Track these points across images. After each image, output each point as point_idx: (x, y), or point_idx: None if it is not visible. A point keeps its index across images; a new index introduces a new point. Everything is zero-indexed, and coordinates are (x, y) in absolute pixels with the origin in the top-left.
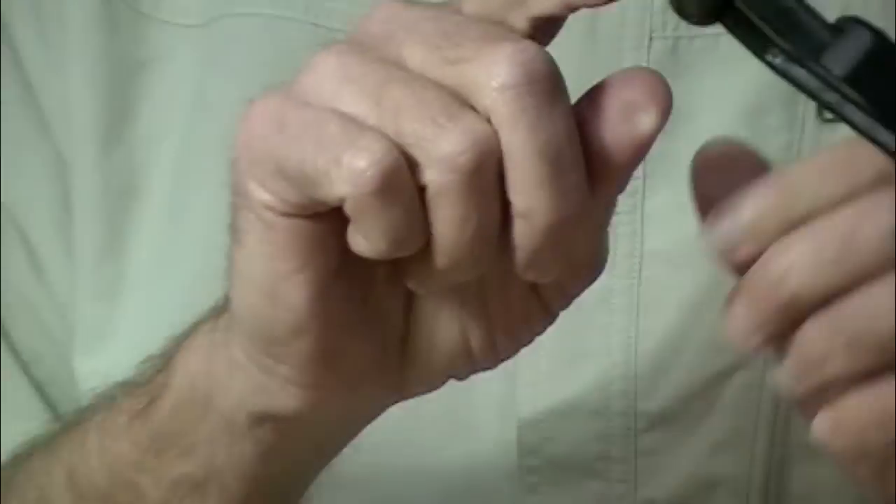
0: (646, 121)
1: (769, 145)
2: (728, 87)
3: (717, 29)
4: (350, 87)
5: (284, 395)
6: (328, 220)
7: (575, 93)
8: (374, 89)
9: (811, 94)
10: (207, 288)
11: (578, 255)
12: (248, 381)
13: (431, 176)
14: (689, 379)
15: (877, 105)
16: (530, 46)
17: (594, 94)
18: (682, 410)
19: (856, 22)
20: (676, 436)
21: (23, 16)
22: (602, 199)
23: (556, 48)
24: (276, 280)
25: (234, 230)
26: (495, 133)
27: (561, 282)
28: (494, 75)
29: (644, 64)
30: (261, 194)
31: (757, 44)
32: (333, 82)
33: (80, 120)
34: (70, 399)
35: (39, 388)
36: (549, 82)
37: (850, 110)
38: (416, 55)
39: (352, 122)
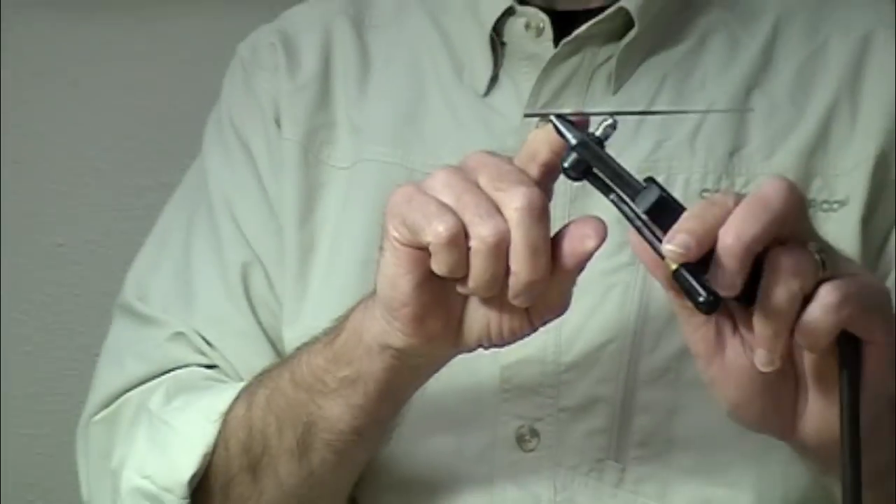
0: (590, 243)
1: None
2: (609, 205)
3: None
4: (448, 189)
5: (396, 337)
6: (424, 251)
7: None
8: (457, 193)
9: (629, 220)
10: (351, 294)
11: (551, 300)
12: (379, 327)
13: (474, 243)
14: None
15: (660, 227)
16: (535, 191)
17: (568, 225)
18: (590, 360)
19: (652, 181)
20: (581, 371)
21: (264, 161)
22: (562, 276)
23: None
24: (395, 276)
25: (381, 248)
26: (510, 230)
27: (540, 311)
28: (514, 201)
29: (569, 190)
30: (393, 232)
31: (605, 190)
32: (440, 185)
33: (288, 210)
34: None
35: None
36: (541, 212)
37: (646, 231)
38: (483, 180)
39: (443, 206)
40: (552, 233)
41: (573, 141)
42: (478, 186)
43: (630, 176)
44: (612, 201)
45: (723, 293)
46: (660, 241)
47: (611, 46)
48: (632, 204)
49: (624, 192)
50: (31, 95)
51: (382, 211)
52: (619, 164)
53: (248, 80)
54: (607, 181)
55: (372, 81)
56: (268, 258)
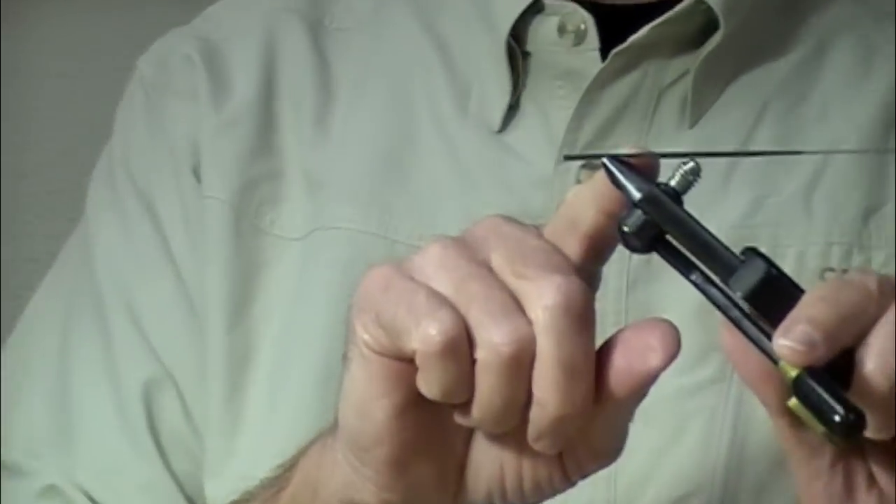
0: (654, 360)
1: (715, 335)
2: (684, 292)
3: None
4: (444, 272)
5: (365, 492)
6: (409, 363)
7: None
8: (459, 278)
9: (720, 310)
10: (304, 426)
11: (595, 441)
12: (342, 476)
13: (481, 354)
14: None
15: (768, 319)
16: (574, 281)
17: (623, 332)
18: None
19: (755, 253)
20: None
21: (177, 230)
22: (613, 408)
23: None
24: (366, 400)
25: (345, 359)
26: (534, 336)
27: (579, 458)
28: (544, 296)
29: (625, 270)
30: (363, 335)
31: (683, 267)
32: (433, 265)
33: (213, 304)
34: None
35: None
36: (582, 312)
37: (747, 325)
38: (497, 260)
39: (436, 298)
40: (598, 341)
41: (637, 195)
42: (489, 270)
43: (721, 245)
44: (695, 283)
45: (875, 434)
46: (768, 337)
47: (685, 58)
48: (724, 286)
49: (712, 268)
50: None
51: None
52: (704, 228)
53: (152, 110)
54: (687, 253)
55: (336, 113)
56: (183, 375)
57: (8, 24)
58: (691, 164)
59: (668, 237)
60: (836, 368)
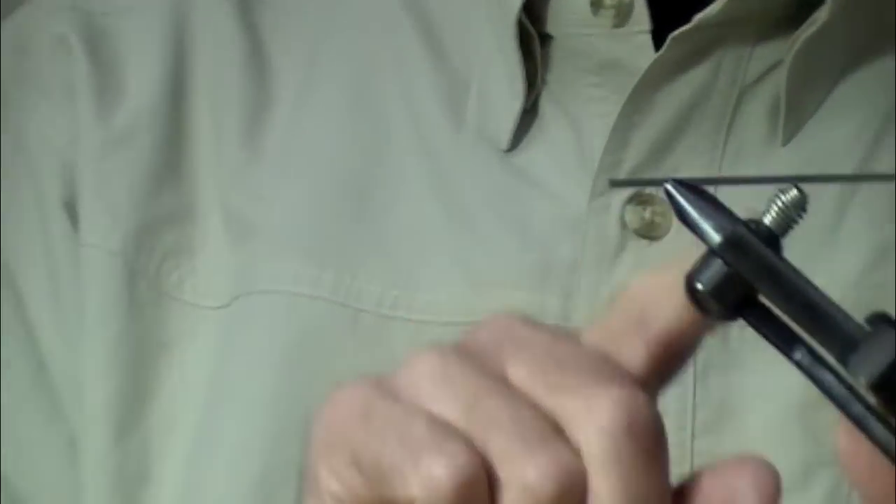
0: None
1: (824, 442)
2: (782, 381)
3: None
4: (446, 388)
5: None
6: None
7: None
8: (470, 395)
9: (836, 403)
10: None
11: None
12: None
13: (510, 499)
14: None
15: None
16: (639, 395)
17: (702, 473)
18: None
19: (886, 322)
20: None
21: (39, 294)
22: None
23: None
24: None
25: None
26: (584, 471)
27: None
28: (596, 415)
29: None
30: (331, 483)
31: (783, 341)
32: (430, 381)
33: (94, 403)
34: None
35: None
36: (651, 437)
37: (874, 426)
38: (520, 373)
39: (440, 425)
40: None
41: (716, 237)
42: (506, 384)
43: (837, 310)
44: (799, 365)
45: None
46: None
47: (775, 45)
48: (842, 369)
49: (825, 343)
50: None
51: (296, 409)
52: (813, 286)
53: (6, 117)
54: (788, 322)
55: (274, 122)
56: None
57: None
58: (794, 192)
59: (761, 298)
60: None
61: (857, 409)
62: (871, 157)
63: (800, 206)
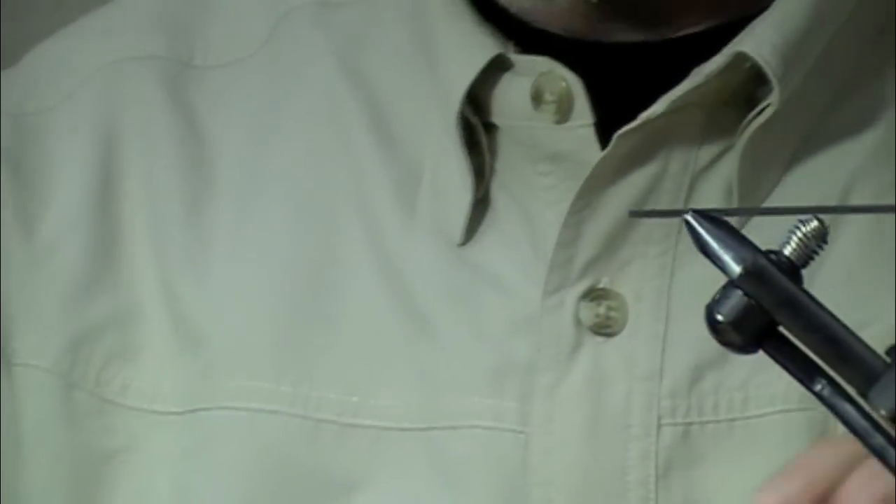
0: None
1: None
2: (745, 476)
3: (732, 413)
4: None
5: None
6: None
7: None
8: None
9: (857, 435)
10: None
11: None
12: None
13: None
14: None
15: None
16: None
17: None
18: None
19: None
20: None
21: None
22: None
23: (553, 435)
24: None
25: None
26: None
27: None
28: None
29: (652, 453)
30: None
31: (802, 372)
32: None
33: None
34: None
35: None
36: None
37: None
38: None
39: None
40: None
41: (736, 268)
42: None
43: (858, 341)
44: (820, 396)
45: None
46: None
47: (724, 128)
48: (862, 401)
49: (845, 375)
50: None
51: None
52: (833, 317)
53: None
54: (808, 353)
55: (217, 216)
56: None
57: (8, 25)
58: (814, 223)
59: (782, 329)
60: None
61: (878, 440)
62: (828, 247)
63: (820, 237)
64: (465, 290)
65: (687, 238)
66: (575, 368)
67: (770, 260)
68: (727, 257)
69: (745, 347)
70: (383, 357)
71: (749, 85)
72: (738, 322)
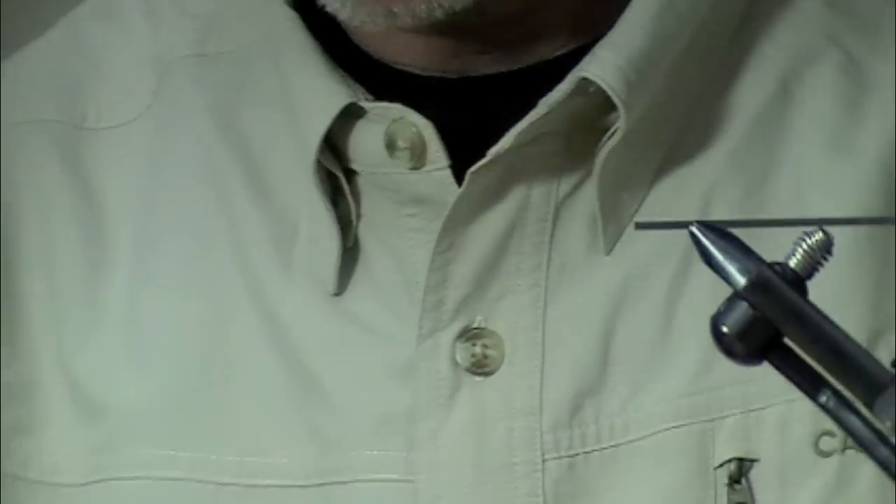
0: None
1: None
2: (633, 502)
3: (614, 439)
4: None
5: None
6: None
7: None
8: None
9: (864, 447)
10: None
11: None
12: None
13: None
14: None
15: None
16: None
17: None
18: None
19: None
20: None
21: None
22: None
23: (440, 482)
24: None
25: None
26: None
27: None
28: None
29: (539, 489)
30: None
31: (808, 384)
32: None
33: None
34: None
35: None
36: None
37: None
38: None
39: None
40: None
41: (741, 280)
42: None
43: (863, 352)
44: (825, 408)
45: None
46: None
47: (583, 156)
48: (867, 414)
49: (850, 387)
50: None
51: None
52: (838, 328)
53: None
54: (814, 364)
55: (113, 285)
56: None
57: (8, 25)
58: (819, 235)
59: (787, 341)
60: None
61: (884, 452)
62: (690, 260)
63: (825, 248)
64: (345, 341)
65: (555, 266)
66: (455, 411)
67: (775, 272)
68: (732, 269)
69: (750, 359)
70: (275, 416)
71: (603, 109)
72: (742, 333)
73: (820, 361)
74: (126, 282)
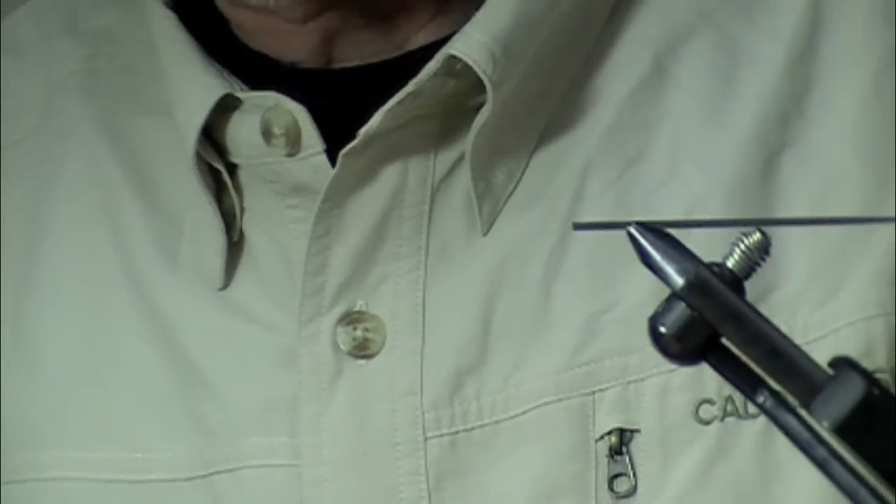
0: None
1: None
2: (516, 476)
3: (496, 416)
4: None
5: None
6: None
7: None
8: None
9: (800, 447)
10: None
11: None
12: None
13: None
14: None
15: (867, 462)
16: None
17: None
18: None
19: (849, 365)
20: None
21: None
22: None
23: (324, 465)
24: None
25: None
26: None
27: None
28: None
29: (422, 467)
30: None
31: (746, 384)
32: None
33: None
34: None
35: None
36: None
37: (838, 469)
38: None
39: None
40: None
41: (679, 280)
42: None
43: (800, 353)
44: (763, 408)
45: None
46: (868, 488)
47: (457, 138)
48: (804, 414)
49: (788, 387)
50: None
51: None
52: (776, 329)
53: None
54: (751, 365)
55: (3, 296)
56: None
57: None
58: (757, 235)
59: (724, 341)
60: None
61: (821, 452)
62: (566, 236)
63: (763, 248)
64: (229, 333)
65: (434, 249)
66: (338, 395)
67: (713, 272)
68: (670, 269)
69: (687, 359)
70: (160, 410)
71: (474, 92)
72: (680, 334)
73: (757, 362)
74: (14, 293)
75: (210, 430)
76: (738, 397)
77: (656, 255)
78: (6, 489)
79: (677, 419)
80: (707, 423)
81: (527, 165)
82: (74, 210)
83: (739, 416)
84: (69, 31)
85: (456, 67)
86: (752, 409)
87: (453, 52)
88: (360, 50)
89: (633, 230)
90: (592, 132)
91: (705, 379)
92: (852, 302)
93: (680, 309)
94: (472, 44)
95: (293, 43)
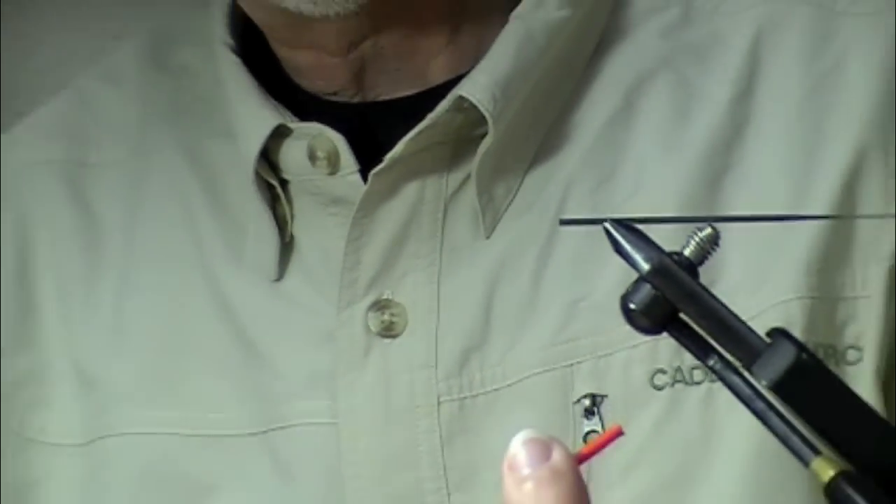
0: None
1: None
2: (511, 433)
3: (496, 384)
4: None
5: None
6: None
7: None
8: None
9: (743, 402)
10: None
11: None
12: None
13: None
14: None
15: (797, 414)
16: None
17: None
18: None
19: (783, 335)
20: None
21: None
22: None
23: (357, 423)
24: None
25: None
26: None
27: None
28: None
29: (437, 425)
30: None
31: (700, 351)
32: None
33: None
34: None
35: None
36: None
37: (774, 420)
38: None
39: None
40: None
41: (645, 266)
42: None
43: (744, 326)
44: (713, 370)
45: None
46: (798, 434)
47: (466, 159)
48: (747, 374)
49: (733, 353)
50: None
51: None
52: (724, 306)
53: None
54: (704, 335)
55: (106, 286)
56: None
57: (8, 34)
58: (708, 229)
59: (682, 316)
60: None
61: (760, 405)
62: (556, 232)
63: (713, 240)
64: (281, 316)
65: (447, 250)
66: (369, 367)
67: (673, 259)
68: (638, 257)
69: (652, 331)
70: (227, 378)
71: (479, 123)
72: (646, 310)
73: (709, 333)
74: (114, 284)
75: (266, 395)
76: (685, 367)
77: (627, 246)
78: (99, 443)
79: (636, 386)
80: (660, 388)
81: (522, 181)
82: (161, 216)
83: (686, 383)
84: (158, 67)
85: (464, 105)
86: (697, 377)
87: (462, 93)
88: (387, 79)
89: (608, 226)
90: (574, 154)
91: (659, 352)
92: (776, 288)
93: (646, 289)
94: (477, 86)
95: (336, 74)
